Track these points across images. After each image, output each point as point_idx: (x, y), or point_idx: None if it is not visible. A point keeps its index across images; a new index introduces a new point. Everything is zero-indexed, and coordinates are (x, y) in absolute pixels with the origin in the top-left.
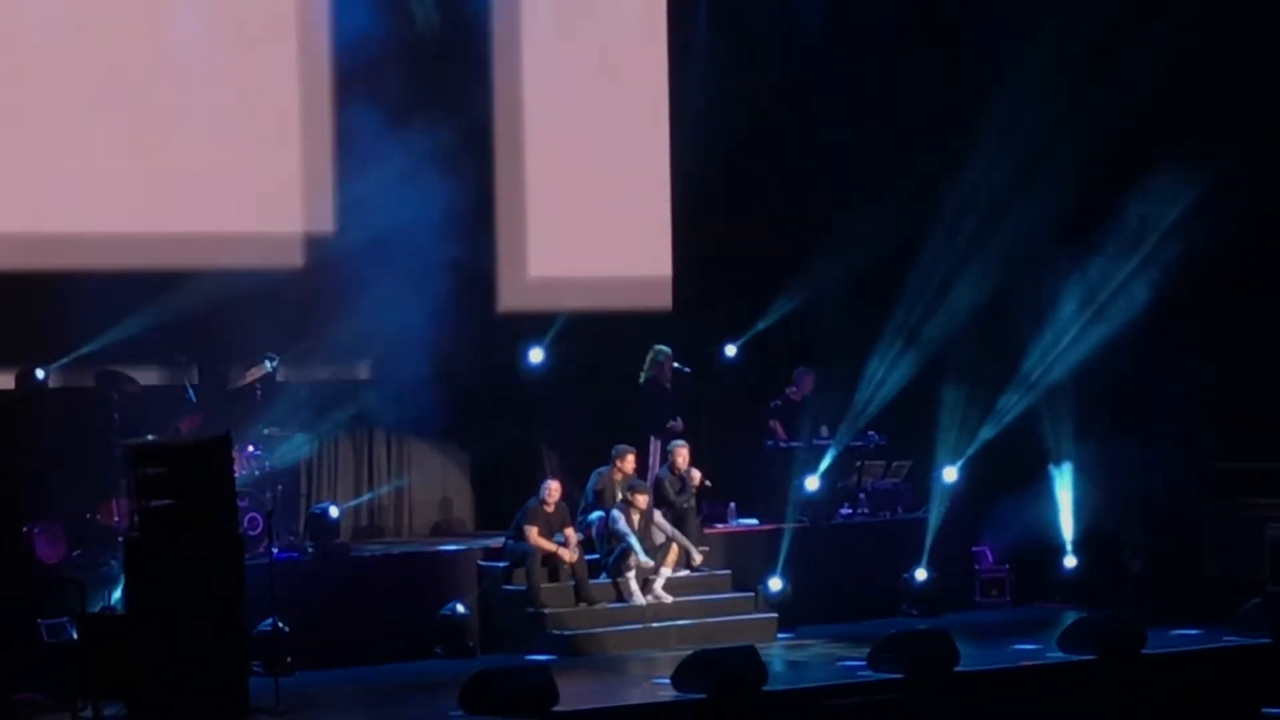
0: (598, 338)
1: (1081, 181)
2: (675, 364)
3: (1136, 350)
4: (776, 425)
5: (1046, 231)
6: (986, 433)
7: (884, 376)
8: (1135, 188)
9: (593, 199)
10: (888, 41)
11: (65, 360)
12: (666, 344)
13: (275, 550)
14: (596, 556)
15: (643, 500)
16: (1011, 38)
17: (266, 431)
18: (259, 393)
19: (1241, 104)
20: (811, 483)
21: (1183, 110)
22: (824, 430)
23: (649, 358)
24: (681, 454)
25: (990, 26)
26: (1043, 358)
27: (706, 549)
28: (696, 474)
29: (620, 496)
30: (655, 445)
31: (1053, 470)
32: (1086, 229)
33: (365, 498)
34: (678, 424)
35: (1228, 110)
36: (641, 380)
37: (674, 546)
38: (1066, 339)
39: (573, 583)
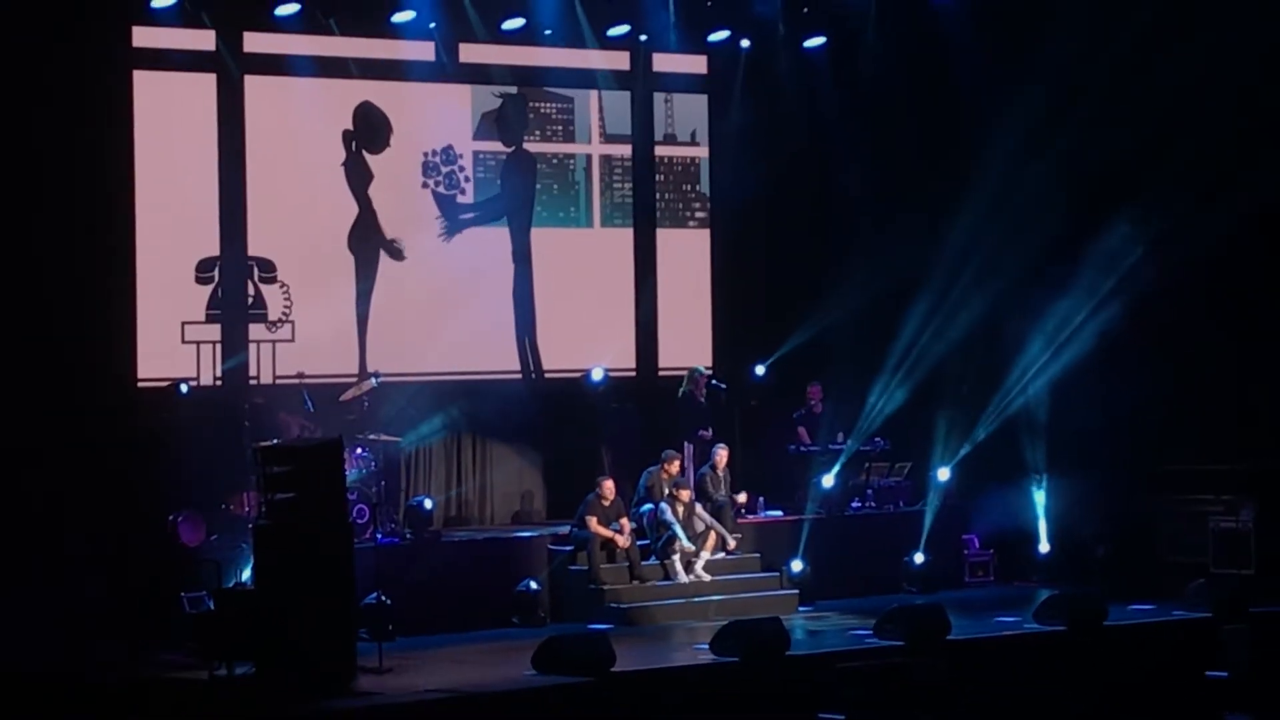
0: (648, 360)
1: (1051, 230)
2: (712, 381)
3: (1100, 371)
4: (803, 431)
5: (1024, 271)
6: (974, 439)
7: (889, 391)
8: (1094, 236)
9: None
10: (891, 107)
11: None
12: (704, 365)
13: (379, 536)
14: (647, 542)
15: (686, 495)
16: (997, 102)
17: (372, 437)
18: (365, 405)
19: (1193, 162)
20: (827, 480)
21: (1144, 163)
22: (839, 436)
23: (687, 375)
24: (722, 455)
25: (978, 93)
26: (1021, 376)
27: (739, 536)
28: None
29: (667, 492)
30: (689, 449)
31: (1031, 471)
32: (1057, 271)
33: (454, 492)
34: (708, 433)
35: (1182, 165)
36: (679, 394)
37: (712, 534)
38: (1041, 360)
39: (627, 564)
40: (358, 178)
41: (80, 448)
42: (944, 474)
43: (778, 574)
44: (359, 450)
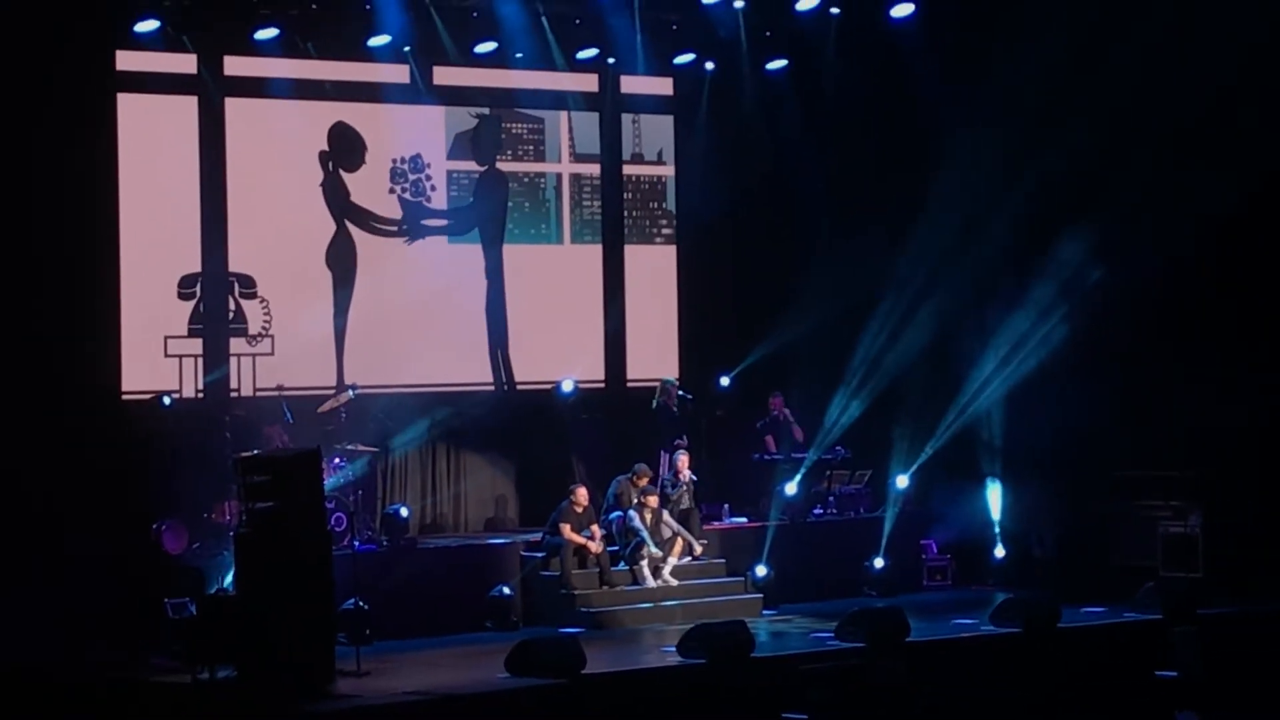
0: (616, 372)
1: (1005, 245)
2: (680, 392)
3: (1053, 382)
4: (770, 440)
5: (980, 285)
6: (931, 448)
7: (850, 401)
8: (1046, 251)
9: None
10: (851, 127)
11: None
12: (673, 377)
13: (356, 543)
14: (617, 548)
15: (653, 502)
16: (952, 121)
17: (350, 447)
18: (343, 416)
19: (1142, 180)
20: (790, 488)
21: (1094, 181)
22: (798, 434)
23: (659, 387)
24: (683, 460)
25: (934, 113)
26: (976, 387)
27: (705, 542)
28: (686, 471)
29: (635, 500)
30: (665, 458)
31: (986, 478)
32: (1011, 286)
33: (429, 500)
34: (682, 441)
35: (1131, 183)
36: (653, 405)
37: (679, 540)
38: (996, 372)
39: (597, 569)
40: (335, 196)
41: (66, 458)
42: (903, 481)
43: (742, 578)
44: (336, 460)
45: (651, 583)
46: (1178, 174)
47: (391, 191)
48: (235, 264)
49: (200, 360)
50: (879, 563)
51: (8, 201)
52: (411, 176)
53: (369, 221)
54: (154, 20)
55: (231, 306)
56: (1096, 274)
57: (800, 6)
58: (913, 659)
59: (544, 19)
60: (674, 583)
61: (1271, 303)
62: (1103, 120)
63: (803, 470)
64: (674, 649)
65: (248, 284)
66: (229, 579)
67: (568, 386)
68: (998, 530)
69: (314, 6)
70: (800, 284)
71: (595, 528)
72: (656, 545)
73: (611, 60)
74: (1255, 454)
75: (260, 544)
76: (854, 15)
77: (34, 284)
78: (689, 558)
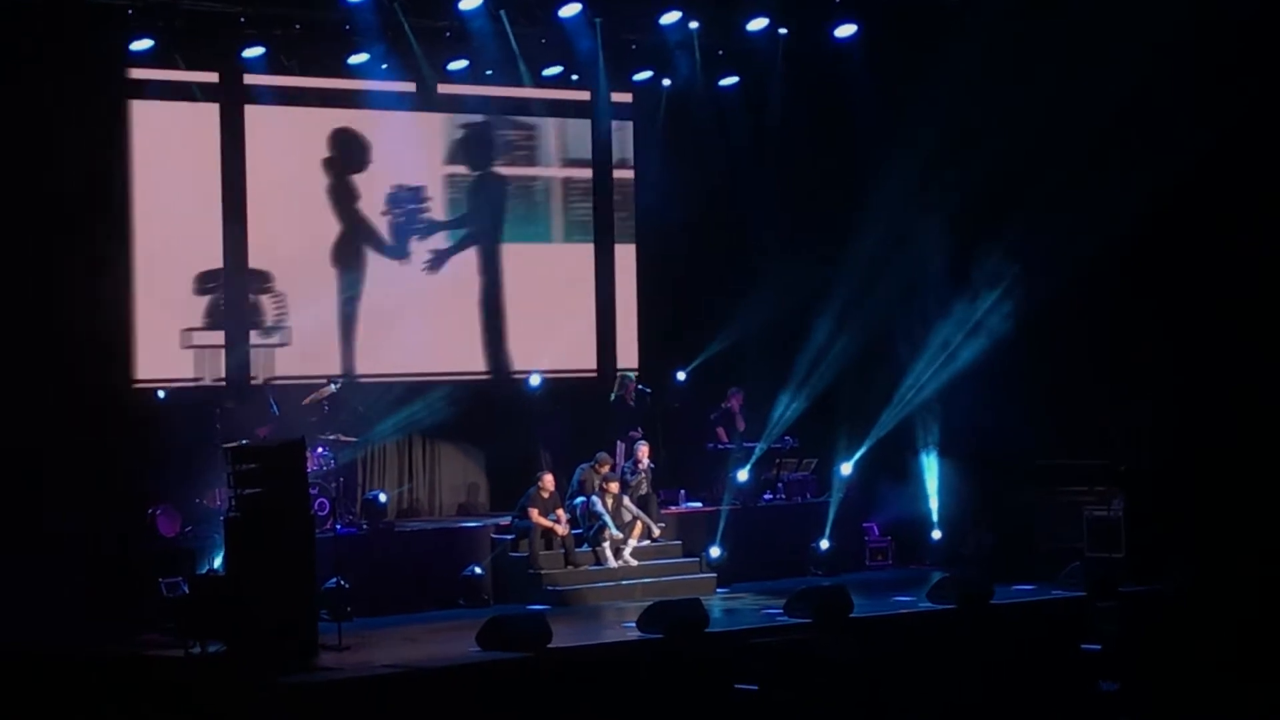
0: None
1: (937, 250)
2: (639, 386)
3: (984, 378)
4: (721, 431)
5: (914, 287)
6: (873, 438)
7: (796, 395)
8: (976, 256)
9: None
10: (796, 138)
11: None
12: (632, 372)
13: (338, 527)
14: (581, 531)
15: (615, 488)
16: (889, 135)
17: (331, 437)
18: (326, 408)
19: (1063, 191)
20: (742, 475)
21: (1020, 191)
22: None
23: (617, 381)
24: (643, 450)
25: (872, 127)
26: (913, 383)
27: (663, 525)
28: (646, 460)
29: (598, 486)
30: (620, 447)
31: (923, 466)
32: (944, 288)
33: (406, 486)
34: (637, 432)
35: (1053, 194)
36: (611, 398)
37: (639, 523)
38: (930, 369)
39: (562, 550)
40: (341, 199)
41: (75, 445)
42: (846, 468)
43: (698, 559)
44: (320, 449)
45: (613, 563)
46: (1093, 183)
47: (384, 214)
48: (252, 261)
49: (212, 352)
50: (824, 544)
51: (32, 208)
52: (408, 206)
53: (370, 232)
54: (148, 40)
55: (247, 300)
56: (1022, 277)
57: (750, 27)
58: (856, 633)
59: (512, 39)
60: (634, 563)
61: (1182, 304)
62: (1022, 137)
63: (753, 458)
64: (634, 625)
65: (263, 279)
66: (219, 560)
67: (535, 380)
68: (934, 515)
69: (297, 27)
70: (750, 285)
71: (560, 512)
72: (618, 528)
73: (575, 77)
74: (1172, 444)
75: (248, 527)
76: (800, 36)
77: (53, 282)
78: (648, 540)
